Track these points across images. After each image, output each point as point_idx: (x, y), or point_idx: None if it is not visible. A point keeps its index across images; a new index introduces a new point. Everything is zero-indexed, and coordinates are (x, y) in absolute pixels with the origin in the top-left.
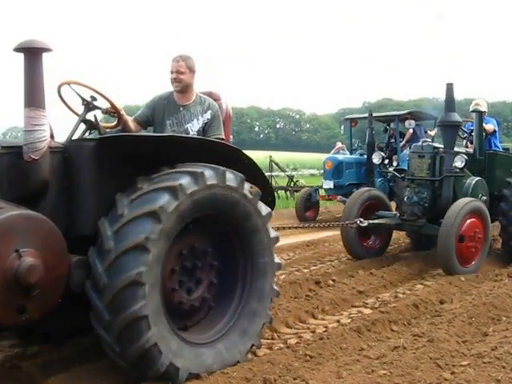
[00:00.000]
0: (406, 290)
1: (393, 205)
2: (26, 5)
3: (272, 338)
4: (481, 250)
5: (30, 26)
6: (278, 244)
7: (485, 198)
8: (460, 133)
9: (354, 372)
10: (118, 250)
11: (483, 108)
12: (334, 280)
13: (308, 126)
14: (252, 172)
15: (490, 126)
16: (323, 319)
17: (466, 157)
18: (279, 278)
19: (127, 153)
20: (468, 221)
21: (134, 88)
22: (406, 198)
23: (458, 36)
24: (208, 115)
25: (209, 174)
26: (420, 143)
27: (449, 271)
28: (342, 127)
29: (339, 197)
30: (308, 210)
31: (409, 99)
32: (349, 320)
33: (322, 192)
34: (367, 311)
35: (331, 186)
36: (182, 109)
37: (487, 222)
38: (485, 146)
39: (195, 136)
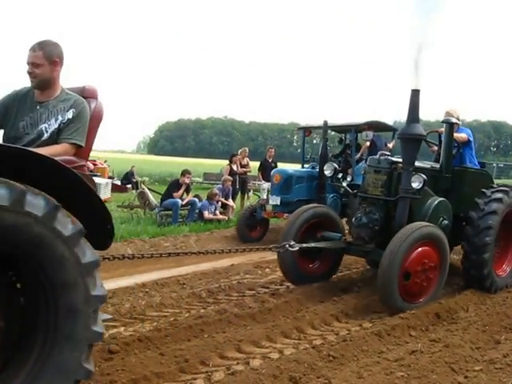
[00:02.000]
0: None
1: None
2: None
3: (299, 339)
4: (434, 282)
5: None
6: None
7: (446, 222)
8: (430, 144)
9: (374, 373)
10: None
11: (454, 119)
12: (358, 287)
13: None
14: (81, 194)
15: (463, 135)
16: (347, 323)
17: (424, 176)
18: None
19: None
20: (419, 249)
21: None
22: (354, 219)
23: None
24: (69, 114)
25: None
26: (377, 156)
27: (390, 309)
28: (295, 137)
29: (285, 215)
30: (253, 229)
31: (436, 119)
32: (370, 324)
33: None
34: (387, 317)
35: (278, 202)
36: (38, 107)
37: (444, 251)
38: (456, 160)
39: None
